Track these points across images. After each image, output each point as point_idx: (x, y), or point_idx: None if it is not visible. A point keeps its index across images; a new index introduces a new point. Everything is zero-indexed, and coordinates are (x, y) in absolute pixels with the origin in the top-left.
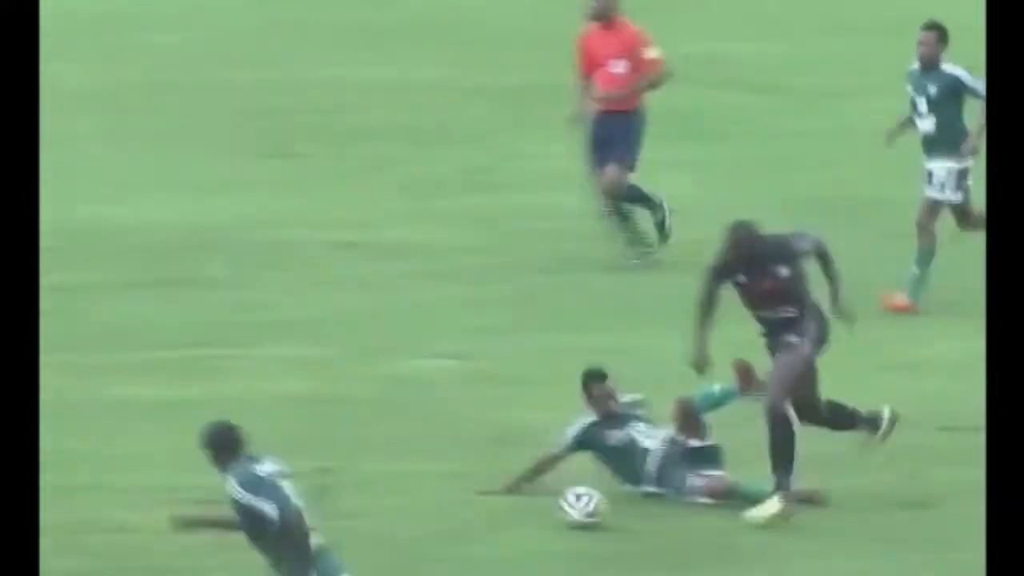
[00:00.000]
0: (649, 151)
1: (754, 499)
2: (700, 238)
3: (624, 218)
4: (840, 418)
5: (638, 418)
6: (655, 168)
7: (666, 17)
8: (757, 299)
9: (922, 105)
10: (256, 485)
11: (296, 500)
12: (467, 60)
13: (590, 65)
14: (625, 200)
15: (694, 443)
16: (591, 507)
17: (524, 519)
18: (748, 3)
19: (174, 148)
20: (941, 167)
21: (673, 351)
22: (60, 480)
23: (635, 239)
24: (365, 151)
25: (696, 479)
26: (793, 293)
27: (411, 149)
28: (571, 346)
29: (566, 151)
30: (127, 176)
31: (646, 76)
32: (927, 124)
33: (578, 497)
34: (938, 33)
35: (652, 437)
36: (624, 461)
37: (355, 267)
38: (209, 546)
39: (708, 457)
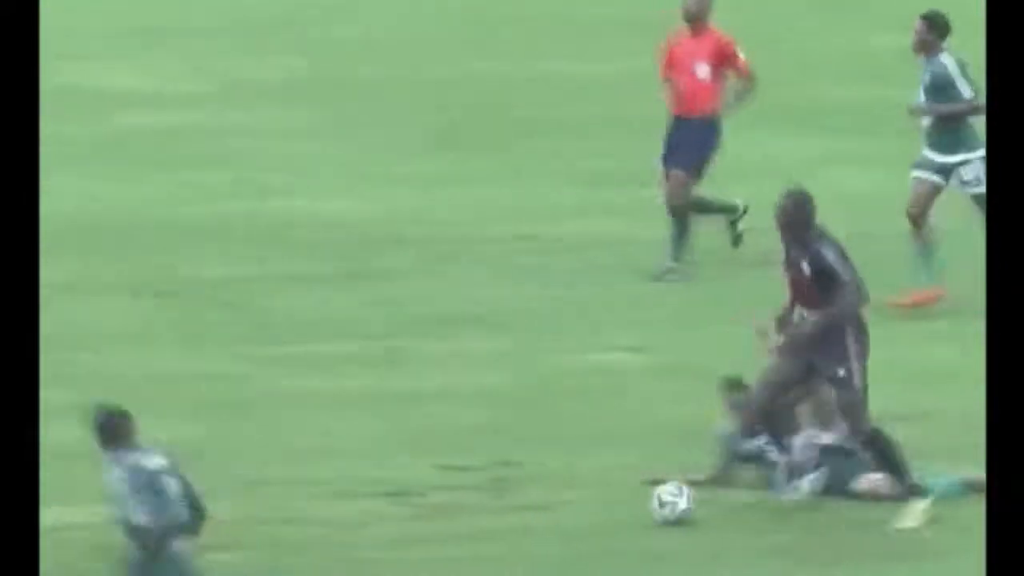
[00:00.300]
0: (827, 144)
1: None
2: (880, 232)
3: (682, 228)
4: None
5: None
6: (832, 160)
7: (855, 10)
8: (789, 284)
9: (920, 94)
10: (138, 484)
11: (177, 501)
12: (643, 53)
13: (672, 67)
14: (691, 210)
15: (827, 439)
16: (679, 508)
17: (706, 513)
18: None
19: (357, 141)
20: (935, 157)
21: None
22: (250, 473)
23: (679, 248)
24: (544, 144)
25: (859, 483)
26: (815, 299)
27: (591, 141)
28: (751, 338)
29: (744, 143)
30: (312, 169)
31: (742, 84)
32: (923, 112)
33: (661, 504)
34: (929, 22)
35: (782, 448)
36: (761, 471)
37: (536, 260)
38: (398, 539)
39: (849, 457)
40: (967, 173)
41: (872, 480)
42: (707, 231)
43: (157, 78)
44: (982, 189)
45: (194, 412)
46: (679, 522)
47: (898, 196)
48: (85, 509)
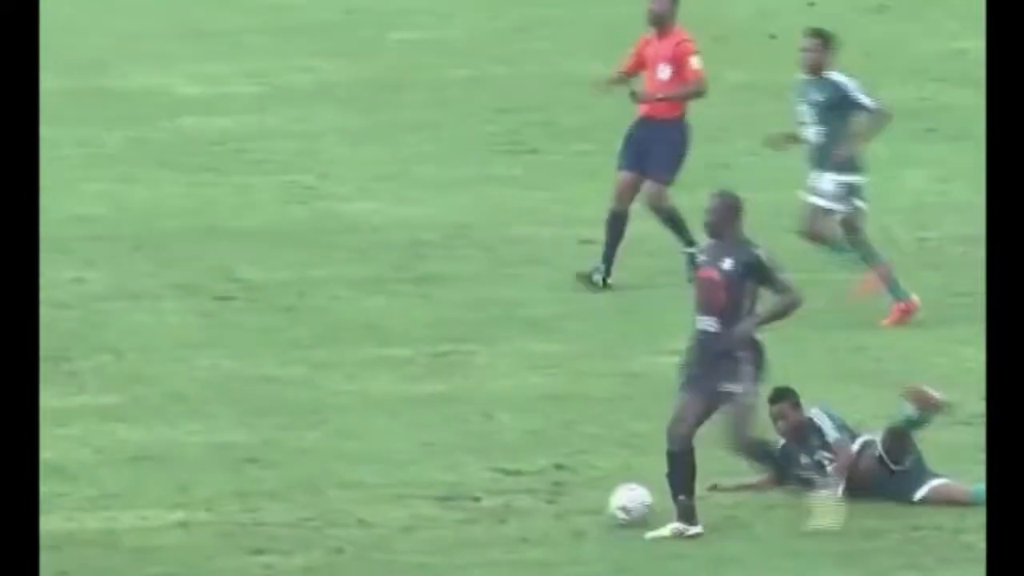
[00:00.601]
0: (891, 148)
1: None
2: (942, 235)
3: (674, 221)
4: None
5: (823, 438)
6: (896, 164)
7: (911, 16)
8: (696, 288)
9: (808, 114)
10: None
11: None
12: (708, 56)
13: (638, 66)
14: (663, 217)
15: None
16: (634, 513)
17: (762, 517)
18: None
19: (419, 144)
20: (829, 179)
21: (914, 349)
22: (305, 477)
23: (684, 235)
24: (606, 147)
25: (925, 492)
26: (722, 301)
27: None
28: (814, 343)
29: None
30: (375, 172)
31: (686, 86)
32: (813, 134)
33: (626, 510)
34: (823, 40)
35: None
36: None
37: (590, 264)
38: (448, 543)
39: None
40: (838, 192)
41: (937, 486)
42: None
43: (212, 82)
44: (848, 209)
45: (250, 416)
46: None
47: (954, 201)
48: (142, 512)
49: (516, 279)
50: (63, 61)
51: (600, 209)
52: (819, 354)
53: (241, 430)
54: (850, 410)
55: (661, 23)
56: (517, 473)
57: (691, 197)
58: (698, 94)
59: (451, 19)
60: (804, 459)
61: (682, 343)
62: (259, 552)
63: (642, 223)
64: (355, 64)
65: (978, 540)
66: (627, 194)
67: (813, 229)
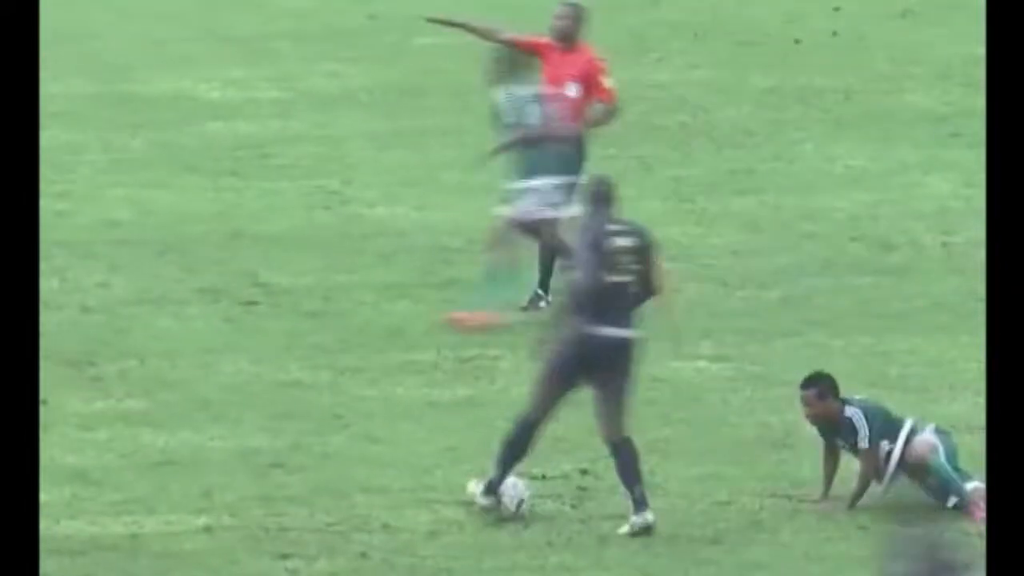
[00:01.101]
0: (916, 153)
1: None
2: (967, 240)
3: (551, 252)
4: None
5: (855, 439)
6: (921, 169)
7: (936, 21)
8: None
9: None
10: None
11: None
12: (734, 61)
13: (529, 51)
14: (550, 242)
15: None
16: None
17: (787, 522)
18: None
19: (443, 149)
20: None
21: (939, 354)
22: (331, 482)
23: (544, 279)
24: (631, 152)
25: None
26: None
27: (678, 150)
28: (839, 348)
29: (831, 153)
30: (399, 177)
31: (601, 108)
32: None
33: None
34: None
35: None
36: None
37: None
38: (472, 548)
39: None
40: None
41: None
42: (800, 243)
43: (237, 87)
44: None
45: (275, 421)
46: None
47: (979, 205)
48: (166, 517)
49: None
50: (89, 66)
51: (625, 214)
52: (844, 359)
53: (265, 435)
54: None
55: (567, 39)
56: (541, 478)
57: (719, 203)
58: (614, 114)
59: None
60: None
61: (710, 348)
62: (284, 557)
63: (663, 230)
64: (379, 69)
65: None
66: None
67: (552, 236)
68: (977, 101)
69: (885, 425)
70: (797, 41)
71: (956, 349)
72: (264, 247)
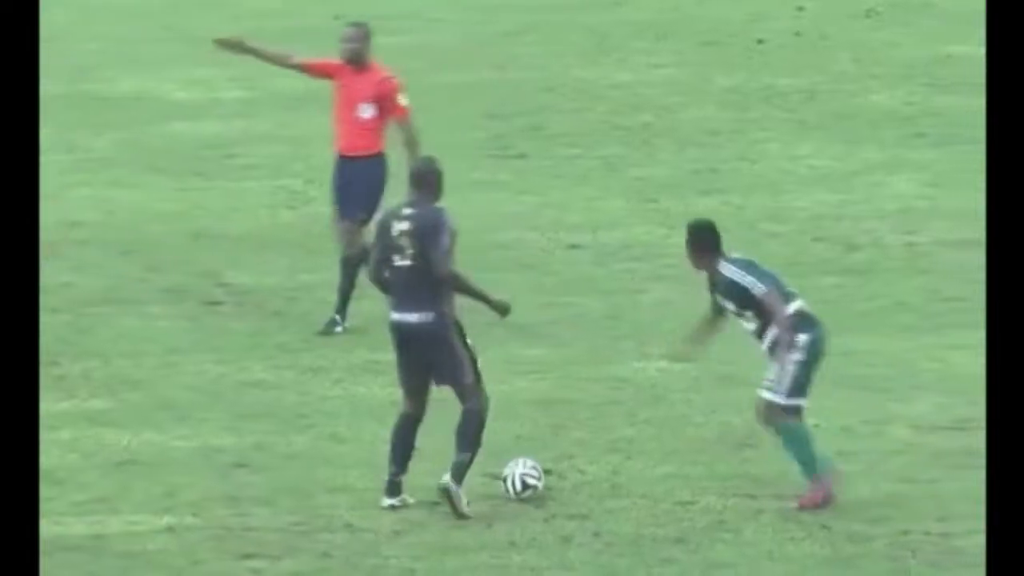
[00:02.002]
0: (880, 153)
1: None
2: (931, 240)
3: (349, 276)
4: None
5: None
6: (885, 169)
7: (900, 21)
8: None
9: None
10: None
11: None
12: (697, 61)
13: (337, 106)
14: (356, 259)
15: None
16: (540, 490)
17: (750, 522)
18: (981, 5)
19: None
20: None
21: (902, 354)
22: (294, 481)
23: (342, 303)
24: (595, 152)
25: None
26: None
27: (641, 150)
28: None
29: (795, 153)
30: None
31: (405, 133)
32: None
33: (525, 486)
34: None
35: None
36: None
37: (583, 269)
38: (436, 548)
39: None
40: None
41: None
42: (763, 243)
43: (201, 87)
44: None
45: (239, 421)
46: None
47: (943, 205)
48: (130, 517)
49: (504, 284)
50: (53, 66)
51: (589, 215)
52: None
53: (229, 435)
54: (837, 415)
55: (358, 60)
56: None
57: (682, 203)
58: (413, 132)
59: (440, 24)
60: None
61: (669, 348)
62: (247, 557)
63: (627, 231)
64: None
65: (967, 544)
66: (356, 240)
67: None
68: (941, 101)
69: (784, 289)
70: (760, 41)
71: (919, 349)
72: (228, 247)
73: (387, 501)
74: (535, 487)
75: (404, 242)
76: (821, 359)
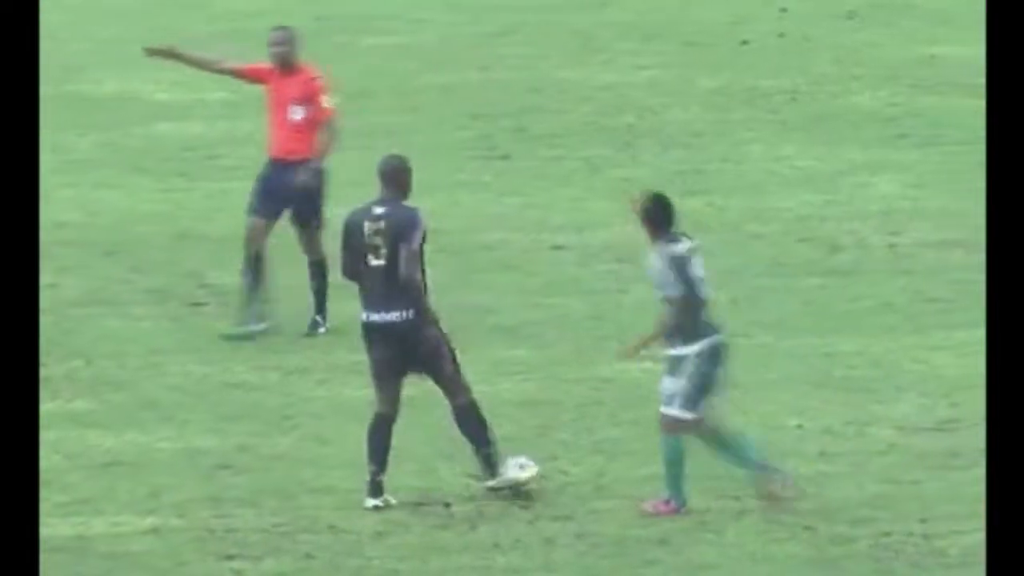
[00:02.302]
0: (863, 154)
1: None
2: (914, 241)
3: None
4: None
5: None
6: (868, 170)
7: (883, 22)
8: None
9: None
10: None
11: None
12: (681, 62)
13: (269, 109)
14: (315, 264)
15: None
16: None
17: (734, 523)
18: (963, 6)
19: (391, 149)
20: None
21: (885, 355)
22: (278, 482)
23: (320, 307)
24: (579, 153)
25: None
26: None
27: (625, 151)
28: (785, 349)
29: (779, 154)
30: (346, 177)
31: (325, 130)
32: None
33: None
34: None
35: None
36: None
37: (567, 270)
38: (419, 549)
39: None
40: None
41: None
42: (747, 244)
43: (184, 88)
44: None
45: (222, 422)
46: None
47: (927, 206)
48: (114, 518)
49: (488, 285)
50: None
51: (573, 215)
52: (790, 360)
53: (213, 436)
54: (820, 416)
55: (286, 63)
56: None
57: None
58: (334, 133)
59: (424, 25)
60: None
61: (656, 350)
62: (230, 558)
63: (611, 232)
64: (326, 70)
65: (948, 545)
66: (259, 238)
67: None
68: (924, 102)
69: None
70: (744, 42)
71: (902, 350)
72: (212, 248)
73: (370, 502)
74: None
75: (378, 241)
76: (714, 374)
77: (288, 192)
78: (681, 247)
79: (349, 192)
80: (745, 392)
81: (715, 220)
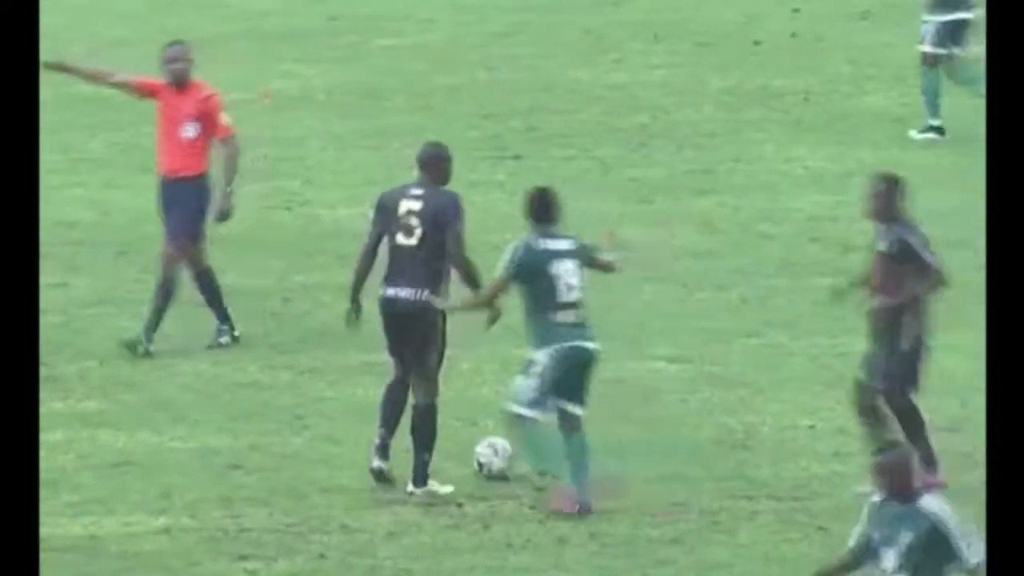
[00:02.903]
0: (874, 154)
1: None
2: None
3: (164, 299)
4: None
5: None
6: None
7: (895, 23)
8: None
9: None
10: None
11: None
12: (693, 62)
13: (159, 125)
14: (165, 281)
15: None
16: (495, 467)
17: (746, 523)
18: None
19: (402, 150)
20: None
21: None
22: (290, 482)
23: (152, 326)
24: (590, 153)
25: None
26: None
27: (637, 151)
28: (797, 349)
29: (791, 154)
30: (358, 178)
31: (227, 151)
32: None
33: (479, 465)
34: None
35: None
36: None
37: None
38: (431, 549)
39: None
40: None
41: None
42: (758, 244)
43: None
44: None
45: (234, 422)
46: (500, 478)
47: (938, 207)
48: (125, 518)
49: None
50: None
51: (584, 215)
52: (802, 361)
53: (225, 436)
54: (833, 416)
55: (182, 79)
56: (501, 479)
57: (677, 204)
58: (235, 150)
59: (434, 25)
60: None
61: (667, 349)
62: (243, 558)
63: (619, 230)
64: (339, 70)
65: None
66: (182, 261)
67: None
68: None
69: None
70: (756, 42)
71: None
72: (223, 248)
73: (376, 463)
74: (487, 465)
75: (413, 221)
76: (564, 379)
77: (173, 207)
78: (551, 244)
79: (363, 191)
80: (757, 392)
81: (727, 220)
